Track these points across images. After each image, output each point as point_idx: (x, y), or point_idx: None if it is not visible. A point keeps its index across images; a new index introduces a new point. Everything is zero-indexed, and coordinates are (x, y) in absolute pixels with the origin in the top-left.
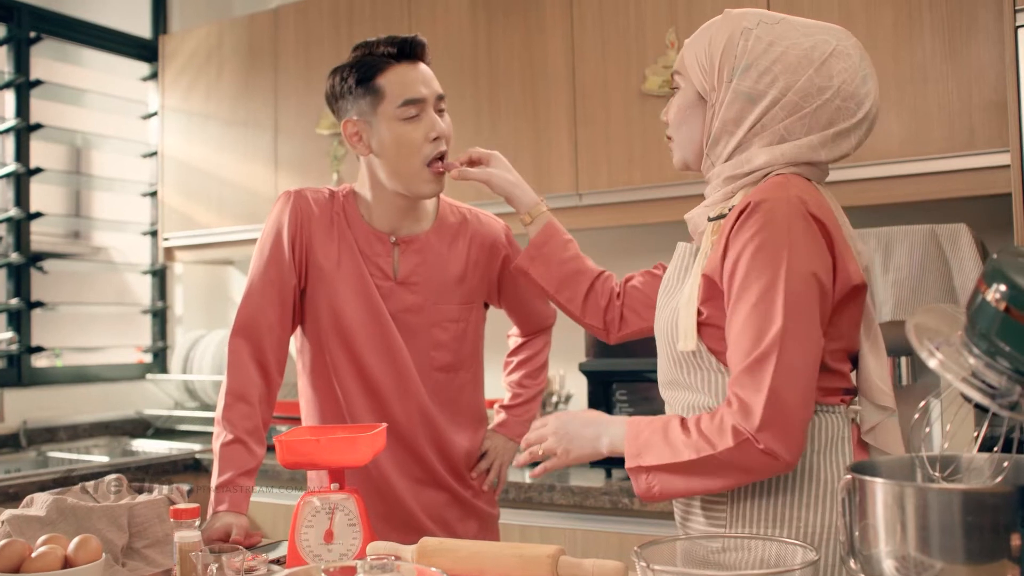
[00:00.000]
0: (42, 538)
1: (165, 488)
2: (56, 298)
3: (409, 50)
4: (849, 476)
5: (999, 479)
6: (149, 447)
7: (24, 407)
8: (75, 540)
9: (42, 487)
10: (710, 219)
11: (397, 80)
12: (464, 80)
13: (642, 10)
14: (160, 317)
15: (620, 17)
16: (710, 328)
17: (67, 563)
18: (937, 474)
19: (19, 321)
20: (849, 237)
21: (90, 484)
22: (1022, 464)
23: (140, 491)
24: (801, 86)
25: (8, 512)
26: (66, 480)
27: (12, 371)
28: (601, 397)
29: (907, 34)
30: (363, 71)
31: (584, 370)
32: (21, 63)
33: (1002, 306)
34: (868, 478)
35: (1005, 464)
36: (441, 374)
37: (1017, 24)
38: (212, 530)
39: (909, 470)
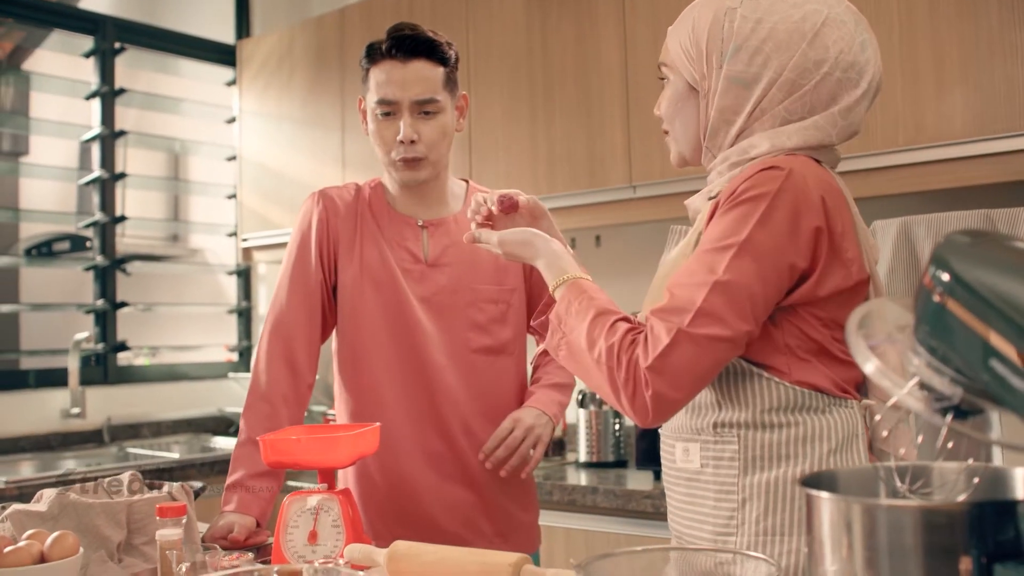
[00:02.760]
0: (26, 533)
1: (173, 485)
2: (156, 299)
3: (398, 47)
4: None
5: (965, 495)
6: (227, 444)
7: (109, 404)
8: (52, 536)
9: None
10: (711, 198)
11: (380, 76)
12: (520, 79)
13: None
14: (245, 316)
15: (672, 7)
16: None
17: (43, 559)
18: (904, 487)
19: (104, 322)
20: (861, 229)
21: (107, 481)
22: (998, 477)
23: (153, 488)
24: (796, 62)
25: (13, 507)
26: (75, 479)
27: (98, 369)
28: None
29: (971, 5)
30: (367, 56)
31: None
32: (106, 73)
33: (943, 300)
34: (813, 492)
35: (975, 479)
36: (479, 356)
37: None
38: (214, 528)
39: (872, 483)
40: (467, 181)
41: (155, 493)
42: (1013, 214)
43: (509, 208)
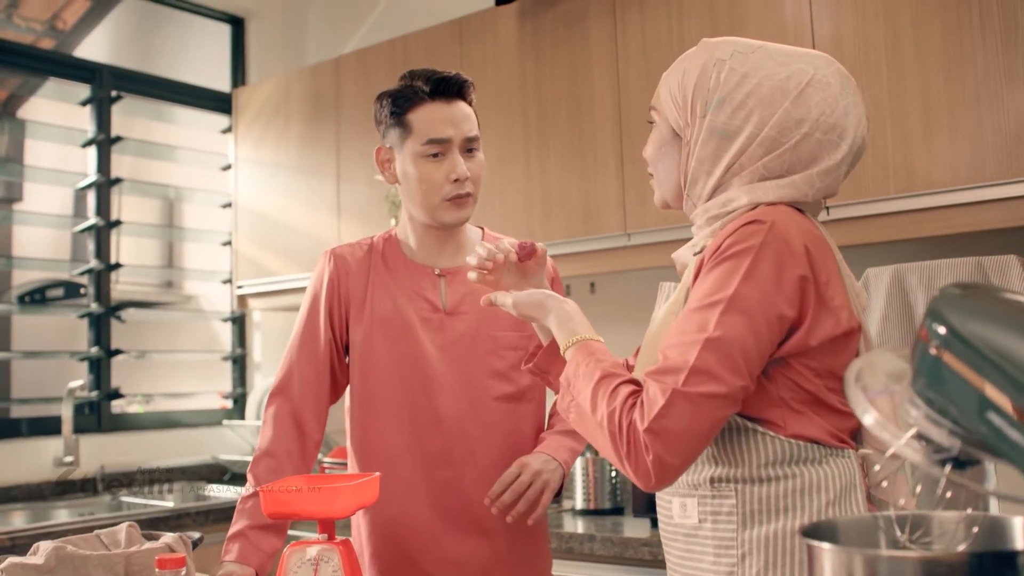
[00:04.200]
0: None
1: (171, 536)
2: (150, 346)
3: (443, 88)
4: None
5: (964, 545)
6: (223, 493)
7: (103, 452)
8: None
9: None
10: (695, 254)
11: (425, 117)
12: (514, 122)
13: (686, 44)
14: (240, 364)
15: (664, 52)
16: None
17: None
18: (904, 536)
19: (99, 369)
20: (847, 276)
21: (104, 532)
22: (999, 526)
23: (151, 539)
24: (777, 120)
25: (9, 560)
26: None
27: (91, 417)
28: None
29: (957, 54)
30: (398, 103)
31: None
32: (102, 121)
33: (940, 353)
34: (815, 543)
35: (975, 528)
36: (500, 404)
37: None
38: None
39: (872, 533)
40: (482, 228)
41: (153, 544)
42: (1004, 261)
43: (527, 256)
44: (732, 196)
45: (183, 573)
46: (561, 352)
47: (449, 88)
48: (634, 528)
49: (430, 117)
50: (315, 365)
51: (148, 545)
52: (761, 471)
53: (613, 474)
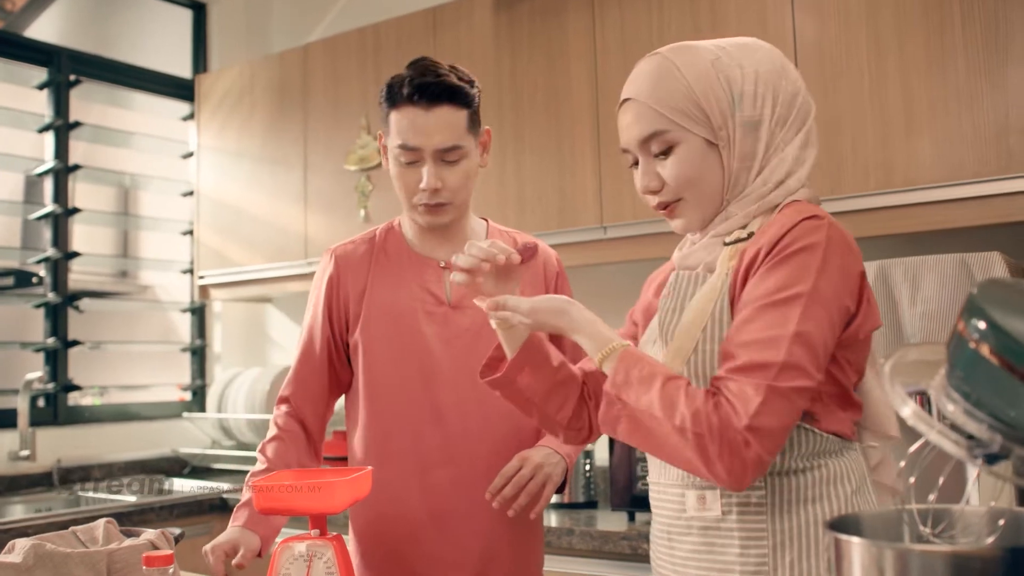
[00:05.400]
0: None
1: (152, 533)
2: (105, 336)
3: (421, 93)
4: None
5: (992, 538)
6: (183, 486)
7: (59, 445)
8: None
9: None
10: (727, 243)
11: (402, 122)
12: (489, 114)
13: (666, 38)
14: (199, 355)
15: (643, 44)
16: None
17: None
18: (927, 530)
19: (55, 360)
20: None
21: (80, 528)
22: (1021, 520)
23: (130, 535)
24: (783, 99)
25: None
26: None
27: (48, 410)
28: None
29: (939, 54)
30: (387, 96)
31: None
32: (60, 106)
33: (979, 347)
34: (844, 537)
35: (1001, 521)
36: (504, 401)
37: None
38: (218, 543)
39: (896, 526)
40: (486, 220)
41: (135, 541)
42: (987, 258)
43: (530, 257)
44: (765, 178)
45: (170, 571)
46: (596, 363)
47: (426, 93)
48: (611, 522)
49: (404, 123)
50: (312, 364)
51: (130, 542)
52: (793, 463)
53: (588, 468)
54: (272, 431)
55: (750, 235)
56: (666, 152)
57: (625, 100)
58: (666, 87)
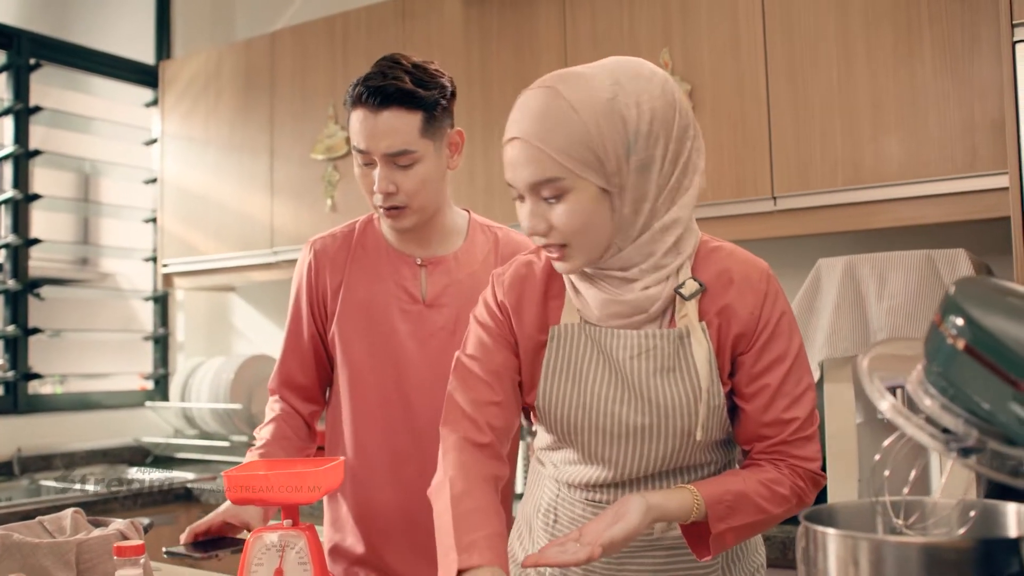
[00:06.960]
0: None
1: (121, 523)
2: (64, 324)
3: (369, 96)
4: (802, 525)
5: (963, 529)
6: (145, 476)
7: (19, 434)
8: None
9: (26, 516)
10: (685, 298)
11: (355, 123)
12: (458, 105)
13: (637, 31)
14: (162, 344)
15: (615, 38)
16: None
17: None
18: (900, 522)
19: (15, 348)
20: None
21: (47, 519)
22: (991, 511)
23: (98, 525)
24: (676, 134)
25: None
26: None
27: (8, 398)
28: None
29: (907, 53)
30: (349, 96)
31: None
32: (20, 90)
33: (957, 343)
34: (819, 528)
35: (972, 513)
36: None
37: (1015, 39)
38: (212, 513)
39: (869, 517)
40: (468, 212)
41: (104, 531)
42: (953, 255)
43: None
44: (664, 223)
45: (141, 561)
46: (686, 519)
47: (375, 96)
48: None
49: (356, 125)
50: (299, 356)
51: (98, 532)
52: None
53: None
54: (268, 415)
55: (702, 285)
56: (557, 197)
57: (514, 138)
58: (563, 131)
